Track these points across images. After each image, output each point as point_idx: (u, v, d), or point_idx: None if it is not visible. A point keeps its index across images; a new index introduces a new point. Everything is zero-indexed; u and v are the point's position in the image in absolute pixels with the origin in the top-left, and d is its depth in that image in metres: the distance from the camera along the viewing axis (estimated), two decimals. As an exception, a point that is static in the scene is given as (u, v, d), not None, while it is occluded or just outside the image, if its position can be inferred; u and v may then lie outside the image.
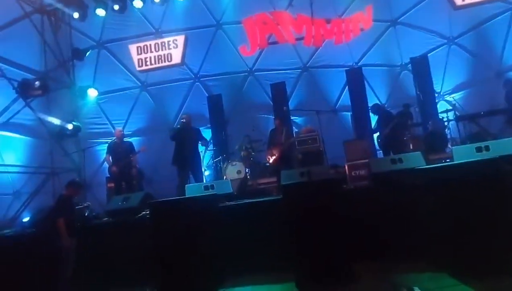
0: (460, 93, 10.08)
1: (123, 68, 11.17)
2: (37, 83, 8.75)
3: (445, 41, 10.22)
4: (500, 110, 7.28)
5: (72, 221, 4.88)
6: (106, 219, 6.11)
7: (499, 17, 9.35)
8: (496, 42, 9.51)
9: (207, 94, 11.24)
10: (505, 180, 3.81)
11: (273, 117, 9.79)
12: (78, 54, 10.28)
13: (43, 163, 9.35)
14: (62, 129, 9.54)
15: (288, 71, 11.21)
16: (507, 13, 9.21)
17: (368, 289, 3.74)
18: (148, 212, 5.18)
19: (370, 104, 10.14)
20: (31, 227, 6.33)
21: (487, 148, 4.66)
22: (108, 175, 8.62)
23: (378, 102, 9.95)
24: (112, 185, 8.25)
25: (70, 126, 9.57)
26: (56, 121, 9.40)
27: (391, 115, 7.98)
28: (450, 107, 8.66)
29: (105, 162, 8.54)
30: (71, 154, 9.91)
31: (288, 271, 4.10)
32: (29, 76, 9.01)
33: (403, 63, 10.72)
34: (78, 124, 9.86)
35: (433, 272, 3.78)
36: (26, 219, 7.90)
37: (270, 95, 10.72)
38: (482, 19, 9.54)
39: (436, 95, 10.16)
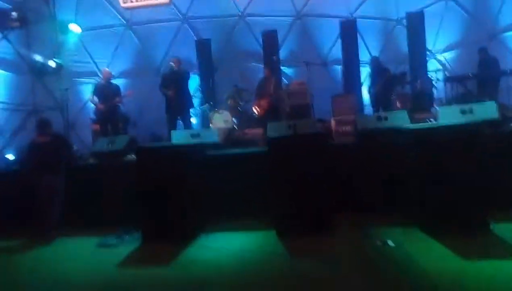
0: (451, 52, 10.02)
1: (106, 3, 10.53)
2: (14, 14, 8.21)
3: (443, -4, 9.93)
4: (488, 73, 7.32)
5: (55, 161, 4.85)
6: (91, 160, 6.13)
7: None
8: (493, 1, 9.30)
9: (195, 38, 10.83)
10: (484, 143, 3.96)
11: (263, 66, 9.61)
12: (59, -15, 9.60)
13: (24, 100, 9.07)
14: (43, 66, 9.15)
15: (280, 18, 10.80)
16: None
17: (344, 239, 3.96)
18: (133, 156, 5.21)
19: (361, 59, 10.05)
20: (15, 164, 6.31)
21: (471, 110, 4.77)
22: (93, 116, 8.49)
23: (371, 56, 9.81)
24: (97, 127, 8.16)
25: (52, 63, 9.18)
26: (37, 57, 8.98)
27: (387, 70, 7.96)
28: (440, 67, 8.66)
29: (90, 102, 8.31)
30: (54, 92, 9.60)
31: (270, 220, 4.28)
32: (5, 5, 8.44)
33: (399, 18, 10.46)
34: (61, 61, 9.46)
35: (405, 226, 4.01)
36: (9, 156, 7.85)
37: (261, 43, 10.41)
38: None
39: (428, 53, 10.07)
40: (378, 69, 7.95)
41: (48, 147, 4.90)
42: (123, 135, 6.68)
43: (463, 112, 4.82)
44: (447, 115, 4.92)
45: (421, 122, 5.68)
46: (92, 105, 8.18)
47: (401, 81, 8.08)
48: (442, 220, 3.70)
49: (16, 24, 8.31)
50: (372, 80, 8.02)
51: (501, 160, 4.33)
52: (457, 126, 4.08)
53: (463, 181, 3.71)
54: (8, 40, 8.57)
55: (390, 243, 3.60)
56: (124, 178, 4.87)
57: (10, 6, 8.45)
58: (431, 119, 6.42)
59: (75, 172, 5.40)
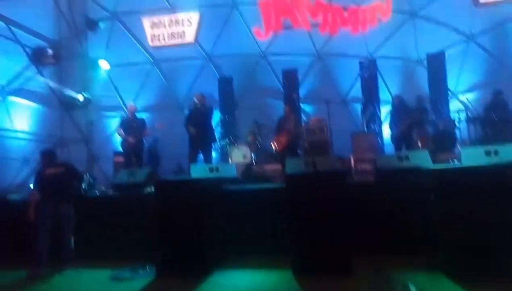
0: (474, 93, 9.93)
1: (135, 42, 11.13)
2: (50, 51, 8.77)
3: (464, 38, 10.02)
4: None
5: (52, 190, 4.83)
6: (111, 192, 6.22)
7: (522, 19, 9.11)
8: (516, 44, 9.30)
9: (218, 76, 11.18)
10: (510, 187, 3.81)
11: (283, 103, 9.75)
12: (92, 24, 10.21)
13: (52, 132, 9.45)
14: (72, 100, 9.59)
15: (301, 57, 11.08)
16: (530, 14, 8.97)
17: (364, 282, 3.79)
18: (152, 189, 5.26)
19: (381, 98, 10.07)
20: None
21: (496, 153, 4.62)
22: (118, 149, 8.70)
23: (391, 95, 9.82)
24: (120, 159, 8.33)
25: (81, 97, 9.62)
26: (67, 91, 9.45)
27: (412, 109, 7.89)
28: (463, 107, 8.54)
29: (118, 134, 8.50)
30: (81, 125, 9.98)
31: (286, 258, 4.17)
32: (42, 43, 9.03)
33: (419, 59, 10.54)
34: (89, 96, 9.90)
35: (428, 271, 3.82)
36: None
37: (281, 81, 10.64)
38: (504, 19, 9.30)
39: (450, 93, 10.02)
40: (401, 108, 7.84)
41: (57, 177, 4.90)
42: (144, 168, 6.79)
43: (487, 153, 4.67)
44: (471, 157, 4.78)
45: (443, 163, 5.54)
46: (118, 138, 8.37)
47: (422, 118, 7.99)
48: (467, 266, 3.51)
49: (51, 60, 8.87)
50: (394, 119, 7.89)
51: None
52: (482, 168, 3.95)
53: (489, 224, 3.54)
54: (42, 75, 9.08)
55: (412, 288, 3.42)
56: (142, 210, 4.89)
57: (47, 44, 9.04)
58: (454, 160, 6.28)
59: (92, 203, 5.48)
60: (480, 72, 9.91)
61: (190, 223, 4.24)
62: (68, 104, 9.62)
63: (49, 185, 4.83)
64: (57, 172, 4.94)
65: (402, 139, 7.61)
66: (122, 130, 7.69)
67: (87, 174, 7.09)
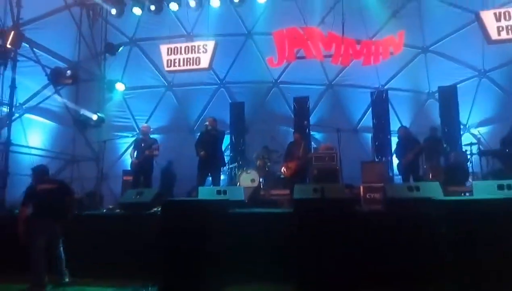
0: (486, 127, 9.86)
1: (152, 66, 11.45)
2: (68, 72, 9.07)
3: (476, 73, 10.07)
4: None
5: (46, 206, 4.78)
6: (118, 210, 6.22)
7: (534, 56, 9.15)
8: (528, 81, 9.30)
9: (230, 101, 11.36)
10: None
11: (293, 130, 9.80)
12: (111, 48, 10.56)
13: (64, 149, 9.62)
14: (86, 119, 9.80)
15: (312, 86, 11.22)
16: (543, 52, 9.01)
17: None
18: (159, 209, 5.25)
19: (392, 128, 10.04)
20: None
21: (509, 187, 4.53)
22: (127, 168, 8.78)
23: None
24: (129, 178, 8.38)
25: (94, 116, 9.83)
26: (82, 110, 9.68)
27: (417, 141, 7.85)
28: (475, 141, 8.46)
29: (129, 156, 8.57)
30: (93, 144, 10.15)
31: (291, 285, 4.06)
32: (62, 64, 9.36)
33: (431, 91, 10.58)
34: (103, 115, 10.11)
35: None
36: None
37: (292, 108, 10.75)
38: (516, 56, 9.35)
39: (462, 127, 9.96)
40: (405, 139, 7.82)
41: (49, 193, 4.85)
42: (152, 188, 6.81)
43: (500, 187, 4.59)
44: (483, 190, 4.70)
45: (455, 196, 5.44)
46: (129, 159, 8.44)
47: (436, 148, 7.93)
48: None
49: (69, 81, 9.15)
50: (399, 150, 7.87)
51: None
52: (494, 201, 3.86)
53: (501, 258, 3.42)
54: (60, 95, 9.35)
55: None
56: (147, 230, 4.87)
57: (66, 65, 9.36)
58: (466, 193, 6.16)
59: (98, 220, 5.47)
60: (492, 106, 9.89)
61: (195, 245, 4.19)
62: (82, 123, 9.82)
63: (41, 201, 4.77)
64: (48, 188, 4.89)
65: (408, 169, 7.51)
66: (134, 151, 7.78)
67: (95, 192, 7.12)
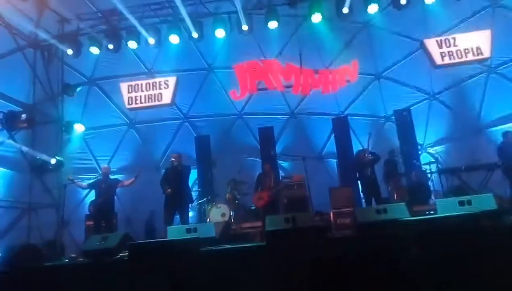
0: (441, 146, 10.42)
1: (112, 105, 11.23)
2: (23, 116, 8.66)
3: (427, 96, 10.73)
4: (480, 165, 7.51)
5: None
6: (81, 259, 5.85)
7: (476, 77, 9.93)
8: (474, 100, 10.04)
9: (195, 135, 11.30)
10: (485, 234, 3.87)
11: (260, 160, 9.85)
12: (68, 89, 10.26)
13: (20, 198, 9.01)
14: (44, 164, 9.31)
15: (276, 116, 11.46)
16: (483, 74, 9.79)
17: None
18: (126, 254, 4.99)
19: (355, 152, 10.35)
20: (2, 265, 5.98)
21: (469, 202, 4.75)
22: (88, 212, 8.37)
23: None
24: (91, 223, 7.98)
25: (53, 160, 9.36)
26: (39, 155, 9.21)
27: (375, 158, 8.01)
28: (433, 160, 8.90)
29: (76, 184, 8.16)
30: (52, 189, 9.60)
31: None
32: (16, 108, 8.94)
33: (387, 115, 11.10)
34: (61, 159, 9.66)
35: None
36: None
37: (258, 139, 10.85)
38: (461, 78, 10.11)
39: (419, 147, 10.46)
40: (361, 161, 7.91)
41: None
42: (117, 232, 6.49)
43: (461, 203, 4.81)
44: (446, 207, 4.89)
45: (420, 215, 5.61)
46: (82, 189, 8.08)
47: (395, 169, 8.15)
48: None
49: (24, 125, 8.72)
50: (359, 171, 7.95)
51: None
52: (457, 218, 4.03)
53: (470, 273, 3.53)
54: (14, 140, 8.88)
55: None
56: (115, 277, 4.59)
57: (21, 109, 8.96)
58: (431, 212, 6.38)
59: (61, 270, 5.10)
60: (444, 126, 10.52)
61: (166, 288, 3.99)
62: (39, 168, 9.31)
63: None
64: None
65: (367, 192, 7.56)
66: (83, 183, 7.56)
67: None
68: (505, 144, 7.44)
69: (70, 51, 9.72)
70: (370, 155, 7.27)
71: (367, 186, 7.44)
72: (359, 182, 8.00)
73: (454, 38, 8.63)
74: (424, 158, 10.12)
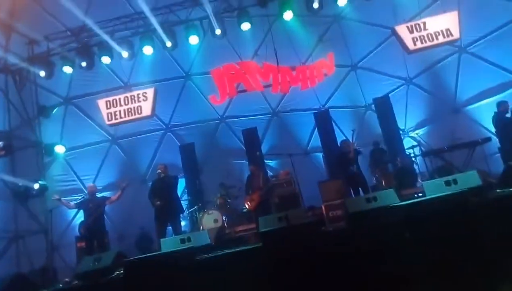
0: (422, 129, 10.62)
1: (91, 122, 11.02)
2: (0, 143, 8.43)
3: (403, 82, 10.91)
4: (462, 144, 7.67)
5: None
6: (76, 282, 5.72)
7: (448, 59, 10.15)
8: (449, 81, 10.25)
9: (179, 144, 11.21)
10: (473, 210, 3.96)
11: (247, 162, 9.84)
12: (44, 111, 10.00)
13: (6, 227, 8.76)
14: (27, 190, 9.06)
15: (258, 116, 11.48)
16: (455, 54, 10.02)
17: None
18: (121, 272, 4.91)
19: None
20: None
21: (455, 181, 4.84)
22: (78, 234, 8.20)
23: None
24: (83, 244, 7.82)
25: (36, 185, 9.11)
26: (20, 181, 8.97)
27: (358, 153, 8.07)
28: (415, 143, 9.05)
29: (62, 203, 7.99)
30: (38, 215, 9.36)
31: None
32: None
33: (367, 104, 11.25)
34: (45, 183, 9.42)
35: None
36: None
37: (243, 141, 10.83)
38: (434, 60, 10.31)
39: (401, 132, 10.63)
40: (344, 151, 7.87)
41: None
42: (110, 251, 6.38)
43: (447, 183, 4.90)
44: (433, 189, 4.97)
45: (409, 198, 5.70)
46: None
47: (383, 158, 8.23)
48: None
49: (2, 153, 8.50)
50: (343, 163, 7.94)
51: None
52: (445, 197, 4.10)
53: (463, 252, 3.60)
54: (-7, 169, 8.63)
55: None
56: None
57: (-4, 137, 8.72)
58: (419, 194, 6.49)
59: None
60: (423, 109, 10.72)
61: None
62: (22, 195, 9.05)
63: None
64: None
65: (353, 182, 7.55)
66: (69, 203, 7.56)
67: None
68: (500, 113, 7.53)
69: (42, 73, 9.51)
70: (353, 151, 7.24)
71: (354, 180, 7.47)
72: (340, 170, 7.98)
73: (423, 23, 8.79)
74: (407, 142, 10.29)
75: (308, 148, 11.45)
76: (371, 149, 9.25)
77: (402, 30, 9.02)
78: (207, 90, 11.03)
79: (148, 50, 9.40)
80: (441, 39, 8.80)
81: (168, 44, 9.33)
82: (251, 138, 10.48)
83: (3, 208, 8.94)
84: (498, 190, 5.28)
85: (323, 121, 10.53)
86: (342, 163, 7.55)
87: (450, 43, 9.22)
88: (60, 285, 6.18)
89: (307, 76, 10.72)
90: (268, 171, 10.66)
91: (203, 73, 11.07)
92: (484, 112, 9.56)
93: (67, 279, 6.38)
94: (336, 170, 8.32)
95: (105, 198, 7.62)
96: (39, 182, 9.23)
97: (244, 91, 10.91)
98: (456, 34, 8.65)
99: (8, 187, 8.93)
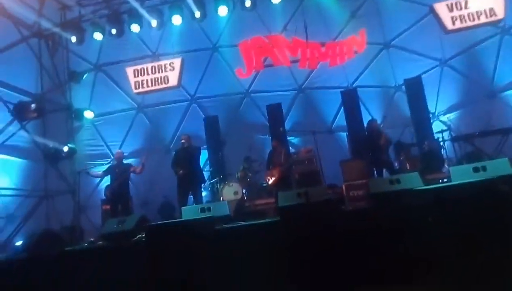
0: (454, 113, 10.22)
1: (119, 90, 11.24)
2: (33, 106, 8.75)
3: (438, 63, 10.44)
4: (494, 131, 7.36)
5: None
6: (100, 242, 6.00)
7: (489, 40, 9.59)
8: (487, 64, 9.73)
9: (203, 116, 11.28)
10: (503, 200, 3.81)
11: (270, 137, 9.82)
12: (75, 77, 10.29)
13: (37, 186, 9.22)
14: (57, 152, 9.45)
15: (283, 92, 11.33)
16: (496, 36, 9.45)
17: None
18: (143, 235, 5.09)
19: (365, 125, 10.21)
20: (23, 251, 6.18)
21: (484, 168, 4.67)
22: (104, 197, 8.53)
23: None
24: (108, 207, 8.14)
25: (65, 148, 9.49)
26: (51, 143, 9.34)
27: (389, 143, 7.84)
28: (445, 128, 8.74)
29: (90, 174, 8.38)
30: (67, 176, 9.78)
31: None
32: (26, 98, 9.02)
33: (397, 85, 10.87)
34: (74, 146, 9.79)
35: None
36: (18, 243, 7.75)
37: (266, 116, 10.78)
38: (473, 42, 9.78)
39: (431, 115, 10.27)
40: (373, 133, 7.70)
41: None
42: (134, 215, 6.61)
43: (475, 170, 4.73)
44: (460, 175, 4.82)
45: (434, 183, 5.56)
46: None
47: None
48: (469, 288, 3.42)
49: (34, 115, 8.82)
50: (367, 143, 7.77)
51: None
52: (471, 184, 3.97)
53: (487, 242, 3.50)
54: (26, 130, 8.99)
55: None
56: (133, 259, 4.70)
57: (30, 99, 9.04)
58: (444, 180, 6.32)
59: (82, 255, 5.25)
60: (457, 93, 10.26)
61: (183, 268, 4.07)
62: (53, 157, 9.45)
63: None
64: None
65: (379, 164, 7.43)
66: (100, 173, 7.95)
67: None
68: None
69: (74, 39, 9.70)
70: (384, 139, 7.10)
71: (379, 161, 7.34)
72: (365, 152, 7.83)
73: (465, 1, 8.31)
74: (436, 126, 9.94)
75: (333, 126, 11.27)
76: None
77: (441, 8, 8.58)
78: (234, 63, 10.95)
79: (177, 20, 9.37)
80: (483, 19, 8.32)
81: (197, 14, 9.25)
82: (275, 114, 10.40)
83: (34, 168, 9.38)
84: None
85: (350, 100, 10.28)
86: (367, 144, 7.42)
87: (493, 24, 8.70)
88: (86, 244, 6.51)
89: (336, 53, 10.44)
90: (291, 148, 10.61)
91: (231, 46, 10.96)
92: (522, 99, 9.10)
93: (92, 239, 6.70)
94: (362, 151, 8.14)
95: (130, 165, 7.84)
96: (68, 145, 9.59)
97: (271, 65, 10.78)
98: (500, 14, 8.15)
99: (39, 148, 9.33)
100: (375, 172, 7.55)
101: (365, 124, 10.02)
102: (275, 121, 10.22)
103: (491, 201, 3.68)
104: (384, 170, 7.22)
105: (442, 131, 8.58)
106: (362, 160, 8.05)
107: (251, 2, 9.06)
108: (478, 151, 7.30)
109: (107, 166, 8.24)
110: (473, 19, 8.51)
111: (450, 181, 4.93)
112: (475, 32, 9.49)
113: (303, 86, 11.35)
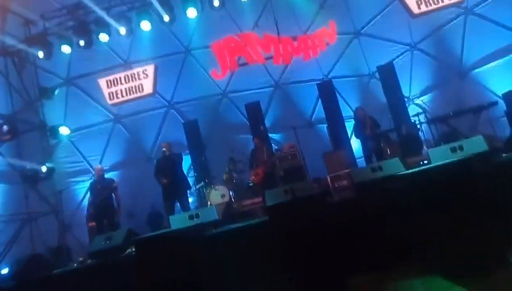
0: (427, 95, 10.45)
1: (94, 102, 10.98)
2: (5, 127, 8.50)
3: (408, 47, 10.64)
4: (467, 109, 7.57)
5: None
6: (89, 261, 5.88)
7: (454, 21, 9.83)
8: (454, 45, 9.97)
9: (182, 121, 11.17)
10: (479, 177, 3.94)
11: (251, 136, 9.83)
12: (46, 93, 9.97)
13: (18, 209, 8.96)
14: (35, 172, 9.18)
15: (260, 90, 11.32)
16: (460, 16, 9.70)
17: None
18: (133, 249, 5.02)
19: (344, 115, 10.35)
20: (10, 279, 5.99)
21: (461, 148, 4.80)
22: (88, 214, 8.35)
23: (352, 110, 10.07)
24: (93, 223, 7.98)
25: (43, 168, 9.23)
26: (28, 164, 9.07)
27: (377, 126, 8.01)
28: (421, 111, 8.93)
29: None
30: (48, 197, 9.53)
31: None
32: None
33: (371, 72, 11.04)
34: (52, 165, 9.53)
35: (425, 276, 3.79)
36: (4, 271, 7.51)
37: (246, 115, 10.77)
38: (440, 24, 10.00)
39: (406, 99, 10.48)
40: (363, 118, 7.87)
41: None
42: (121, 229, 6.51)
43: (453, 150, 4.86)
44: (439, 156, 4.94)
45: (415, 166, 5.68)
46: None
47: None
48: (458, 264, 3.52)
49: (7, 137, 8.57)
50: (357, 130, 7.95)
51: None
52: (451, 164, 4.08)
53: (470, 218, 3.61)
54: (0, 154, 8.71)
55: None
56: (125, 274, 4.64)
57: (1, 121, 8.75)
58: (424, 162, 6.46)
59: (71, 276, 5.14)
60: (429, 75, 10.50)
61: (175, 279, 4.04)
62: (31, 178, 9.18)
63: None
64: None
65: (369, 148, 7.65)
66: (90, 196, 7.53)
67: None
68: None
69: (41, 54, 9.44)
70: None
71: (369, 144, 7.53)
72: (357, 138, 8.00)
73: (428, -16, 8.49)
74: (412, 109, 10.16)
75: (312, 119, 11.36)
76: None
77: (406, -7, 8.72)
78: (208, 64, 10.89)
79: (145, 25, 9.24)
80: (446, 1, 8.56)
81: (166, 18, 9.15)
82: (254, 112, 10.40)
83: (14, 191, 9.11)
84: (504, 154, 5.26)
85: (327, 92, 10.38)
86: (357, 131, 7.70)
87: (456, 4, 8.92)
88: (75, 264, 6.36)
89: (309, 46, 10.53)
90: (273, 144, 10.65)
91: (203, 47, 10.88)
92: (491, 76, 9.37)
93: (81, 258, 6.56)
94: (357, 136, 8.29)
95: (112, 181, 7.72)
96: (46, 164, 9.34)
97: (245, 64, 10.77)
98: (462, -5, 8.36)
99: (16, 170, 9.06)
100: (365, 157, 7.71)
101: (343, 115, 10.22)
102: (255, 119, 10.22)
103: (467, 180, 3.79)
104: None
105: (418, 114, 8.75)
106: (343, 150, 8.18)
107: (219, 2, 9.01)
108: (454, 131, 7.50)
109: (89, 186, 8.09)
110: (438, 2, 8.71)
111: (430, 163, 5.05)
112: (441, 14, 9.73)
113: (279, 82, 11.38)
